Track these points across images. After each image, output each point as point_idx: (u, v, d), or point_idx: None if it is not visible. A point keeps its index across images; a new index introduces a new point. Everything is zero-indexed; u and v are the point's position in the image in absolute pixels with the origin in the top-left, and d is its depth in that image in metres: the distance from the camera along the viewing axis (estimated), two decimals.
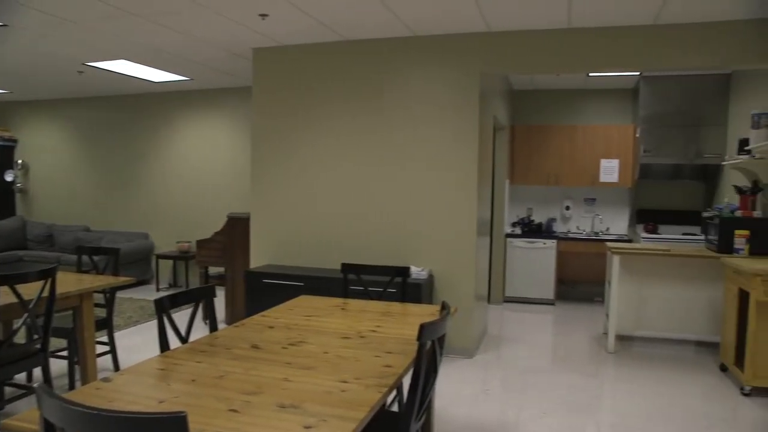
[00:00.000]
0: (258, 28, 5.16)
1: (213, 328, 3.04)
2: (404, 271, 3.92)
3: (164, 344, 2.65)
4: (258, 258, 6.00)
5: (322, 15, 4.81)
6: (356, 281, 3.99)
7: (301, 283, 5.28)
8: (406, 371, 2.37)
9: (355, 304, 3.65)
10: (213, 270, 7.52)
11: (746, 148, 5.49)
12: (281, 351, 2.55)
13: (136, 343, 5.63)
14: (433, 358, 2.45)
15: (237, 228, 6.34)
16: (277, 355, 2.48)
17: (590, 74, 7.08)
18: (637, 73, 7.15)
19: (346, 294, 3.97)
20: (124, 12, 4.67)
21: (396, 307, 3.59)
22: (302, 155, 5.77)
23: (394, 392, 3.43)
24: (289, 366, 2.34)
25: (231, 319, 6.30)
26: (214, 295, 3.14)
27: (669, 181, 7.83)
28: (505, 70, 5.27)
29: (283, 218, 5.88)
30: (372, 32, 5.29)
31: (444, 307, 2.77)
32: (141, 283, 8.74)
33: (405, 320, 3.25)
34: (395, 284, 4.01)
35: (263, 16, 4.80)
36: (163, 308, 2.74)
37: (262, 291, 5.42)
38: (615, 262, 5.66)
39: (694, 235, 7.44)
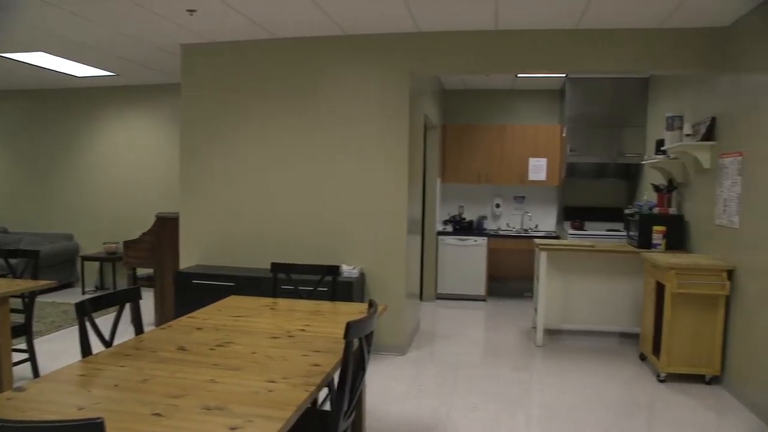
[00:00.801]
0: (186, 23, 5.05)
1: (138, 330, 2.97)
2: (334, 270, 3.93)
3: (86, 349, 2.57)
4: (188, 258, 5.88)
5: (252, 12, 4.75)
6: (287, 281, 3.97)
7: (232, 283, 5.21)
8: (334, 370, 2.38)
9: (284, 303, 3.63)
10: (141, 271, 7.31)
11: (662, 148, 5.76)
12: (208, 352, 2.52)
13: (60, 349, 5.42)
14: (361, 356, 2.47)
15: (166, 228, 6.19)
16: (204, 357, 2.45)
17: (519, 75, 7.26)
18: (563, 75, 7.39)
19: (276, 294, 3.94)
20: (39, 1, 4.47)
21: (326, 306, 3.60)
22: (233, 154, 5.69)
23: (326, 391, 3.44)
24: (216, 367, 2.31)
25: (160, 321, 6.15)
26: (140, 297, 3.07)
27: (594, 180, 8.13)
28: (434, 70, 5.36)
29: (213, 218, 5.78)
30: (304, 31, 5.26)
31: (371, 304, 2.80)
32: (65, 286, 8.41)
33: (334, 319, 3.26)
34: (326, 283, 4.01)
35: (191, 11, 4.70)
36: (84, 312, 2.65)
37: (192, 292, 5.31)
38: (543, 258, 5.84)
39: (618, 231, 7.76)
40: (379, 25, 5.06)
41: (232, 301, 3.66)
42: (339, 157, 5.46)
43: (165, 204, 7.94)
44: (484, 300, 8.07)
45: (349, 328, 2.26)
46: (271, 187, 5.61)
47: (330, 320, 3.22)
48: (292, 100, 5.52)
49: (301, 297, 3.86)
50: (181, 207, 5.90)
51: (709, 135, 5.05)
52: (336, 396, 2.32)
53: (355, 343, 2.37)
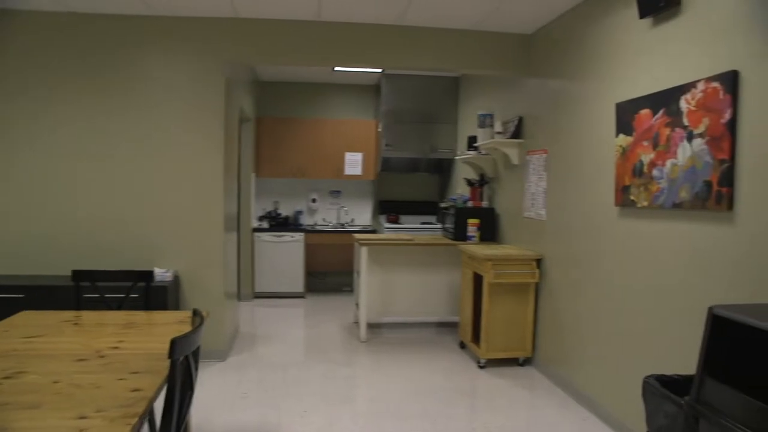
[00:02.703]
0: None
1: None
2: (148, 276, 3.53)
3: None
4: None
5: None
6: (91, 289, 3.47)
7: (21, 295, 4.46)
8: (157, 393, 2.07)
9: (90, 316, 3.17)
10: None
11: (475, 144, 6.04)
12: None
13: None
14: (189, 374, 2.19)
15: None
16: None
17: (336, 69, 7.19)
18: (380, 71, 7.45)
19: (79, 305, 3.44)
20: None
21: (140, 316, 3.21)
22: (18, 143, 4.88)
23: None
24: (6, 407, 1.88)
25: None
26: None
27: (408, 174, 8.37)
28: (253, 59, 5.08)
29: None
30: (103, 6, 4.65)
31: (196, 314, 2.51)
32: None
33: (151, 331, 2.91)
34: (137, 289, 3.58)
35: None
36: None
37: None
38: (363, 253, 5.82)
39: (431, 223, 8.06)
40: (193, 7, 4.64)
41: (24, 317, 3.11)
42: (149, 149, 4.94)
43: None
44: (303, 297, 7.93)
45: (175, 345, 1.98)
46: (69, 183, 4.90)
47: (146, 333, 2.86)
48: (94, 86, 4.85)
49: (109, 307, 3.41)
50: None
51: (517, 133, 5.37)
52: (162, 424, 2.02)
53: (180, 360, 2.09)
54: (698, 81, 3.03)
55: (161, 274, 4.80)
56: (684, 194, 3.13)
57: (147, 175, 4.95)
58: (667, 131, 3.27)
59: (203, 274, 5.04)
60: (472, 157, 6.23)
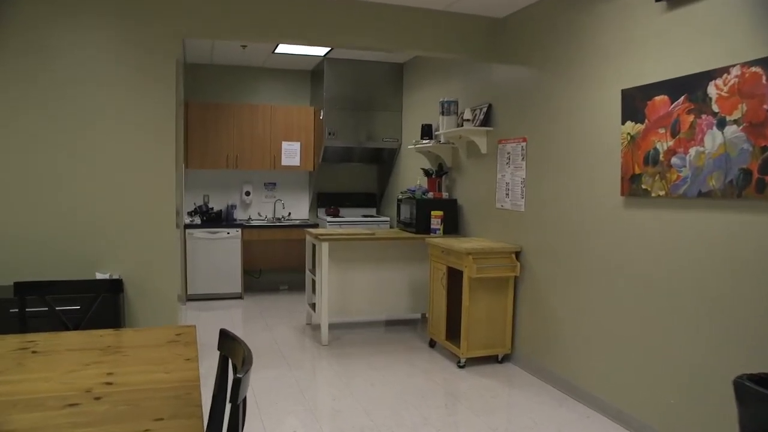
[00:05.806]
0: None
1: None
2: (116, 285, 2.99)
3: None
4: None
5: None
6: (38, 303, 2.87)
7: None
8: None
9: (48, 340, 2.55)
10: None
11: (437, 132, 5.73)
12: None
13: None
14: (243, 417, 1.75)
15: None
16: None
17: (275, 51, 6.69)
18: (321, 55, 6.99)
19: (24, 327, 2.83)
20: None
21: (111, 337, 2.65)
22: None
23: None
24: None
25: None
26: None
27: (347, 164, 7.98)
28: (209, 34, 4.51)
29: None
30: None
31: (229, 337, 2.05)
32: None
33: (138, 356, 2.38)
34: (83, 300, 3.00)
35: None
36: None
37: None
38: (324, 249, 5.36)
39: (372, 216, 7.74)
40: None
41: None
42: (88, 136, 4.18)
43: None
44: (241, 297, 7.37)
45: (239, 385, 1.54)
46: None
47: (137, 360, 2.33)
48: (22, 67, 4.05)
49: (66, 327, 2.83)
50: None
51: (487, 121, 5.13)
52: None
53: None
54: (731, 66, 2.87)
55: (103, 278, 4.16)
56: (714, 183, 2.98)
57: (87, 167, 4.22)
58: (690, 118, 3.11)
59: (153, 277, 4.42)
60: (429, 146, 5.94)
